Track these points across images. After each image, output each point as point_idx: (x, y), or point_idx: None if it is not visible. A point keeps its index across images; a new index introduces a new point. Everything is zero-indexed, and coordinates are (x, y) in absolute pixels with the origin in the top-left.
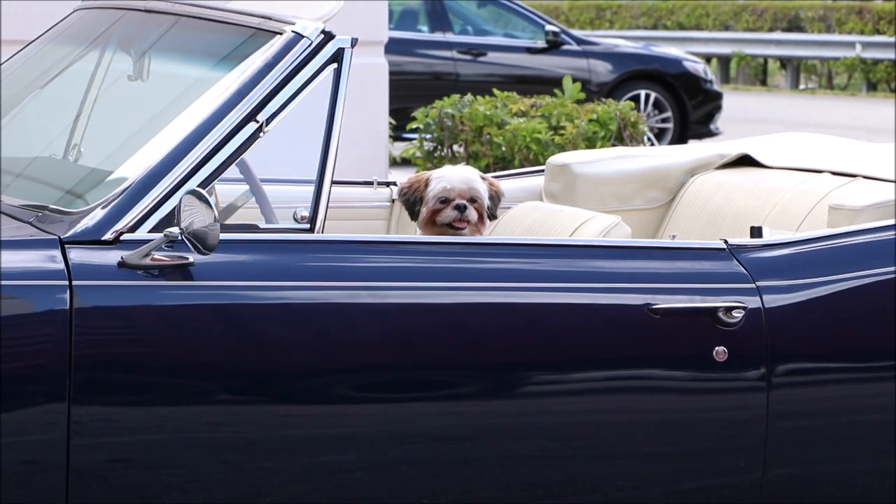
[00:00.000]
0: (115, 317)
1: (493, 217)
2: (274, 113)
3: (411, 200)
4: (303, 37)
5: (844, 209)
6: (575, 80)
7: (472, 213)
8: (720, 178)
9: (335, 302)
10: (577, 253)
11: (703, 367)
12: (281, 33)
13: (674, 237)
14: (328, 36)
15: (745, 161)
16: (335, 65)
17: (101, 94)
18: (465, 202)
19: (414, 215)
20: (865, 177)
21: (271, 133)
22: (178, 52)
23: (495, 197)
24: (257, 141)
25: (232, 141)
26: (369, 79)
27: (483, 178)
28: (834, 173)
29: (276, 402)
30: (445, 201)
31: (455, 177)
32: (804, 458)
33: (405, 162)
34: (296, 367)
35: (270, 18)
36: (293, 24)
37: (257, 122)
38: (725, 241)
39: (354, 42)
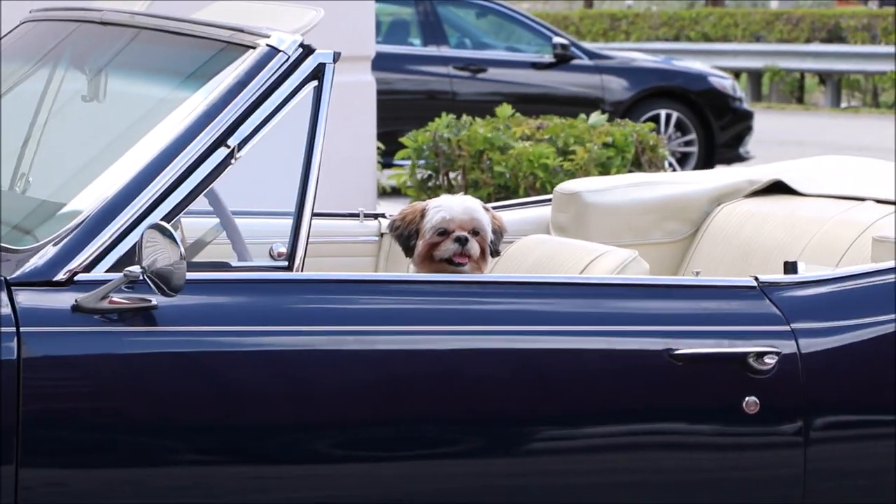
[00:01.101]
0: (68, 367)
1: (496, 253)
2: (247, 137)
3: (405, 234)
4: (279, 51)
5: (890, 241)
6: (587, 98)
7: (474, 247)
8: (750, 208)
9: (317, 349)
10: (589, 292)
11: (732, 420)
12: (254, 47)
13: (697, 274)
14: (307, 50)
15: (779, 188)
16: (315, 82)
17: (52, 117)
18: (466, 234)
19: (408, 251)
20: None
21: (244, 160)
22: (139, 70)
23: (498, 231)
24: (228, 168)
25: (200, 168)
26: (354, 98)
27: (486, 209)
28: (878, 201)
29: (248, 462)
30: (444, 233)
31: (455, 206)
32: None
33: (395, 192)
34: (271, 422)
35: (242, 31)
36: (268, 36)
37: (228, 147)
38: (756, 279)
39: (337, 57)
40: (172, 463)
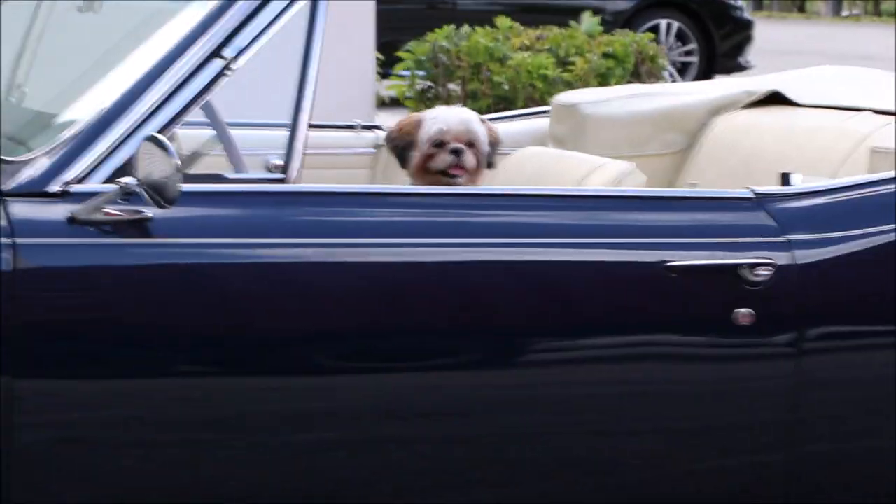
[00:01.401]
0: (63, 278)
1: (491, 165)
2: (243, 48)
3: (401, 145)
4: None
5: (888, 152)
6: (587, 8)
7: (469, 159)
8: (747, 119)
9: (313, 261)
10: (586, 204)
11: (726, 332)
12: None
13: (694, 185)
14: None
15: (776, 99)
16: None
17: (47, 28)
18: (462, 146)
19: (404, 162)
20: None
21: (240, 71)
22: None
23: (494, 143)
24: (224, 80)
25: (195, 80)
26: (353, 8)
27: (483, 121)
28: (876, 111)
29: (246, 374)
30: (440, 145)
31: (451, 118)
32: (838, 432)
33: (394, 103)
34: (268, 334)
35: None
36: None
37: (224, 58)
38: (752, 190)
39: None
40: (168, 374)
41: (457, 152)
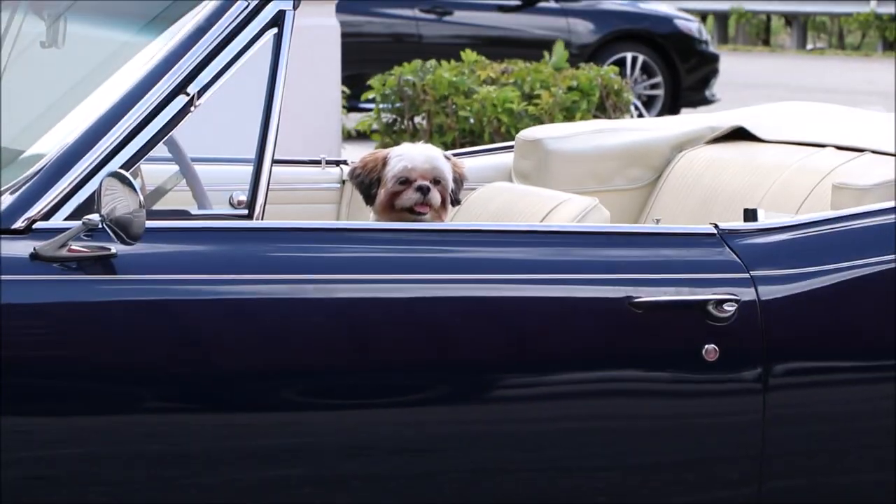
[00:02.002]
0: (28, 315)
1: (456, 202)
2: (207, 84)
3: (366, 182)
4: None
5: (850, 188)
6: (553, 41)
7: (435, 196)
8: (711, 154)
9: (278, 297)
10: (550, 240)
11: (692, 367)
12: None
13: (657, 221)
14: None
15: (740, 134)
16: (275, 30)
17: (10, 64)
18: (428, 183)
19: (369, 199)
20: (874, 151)
21: (204, 106)
22: (98, 15)
23: (459, 180)
24: (188, 115)
25: (160, 115)
26: (318, 42)
27: (448, 158)
28: (839, 147)
29: (213, 410)
30: (406, 182)
31: (417, 155)
32: (805, 468)
33: (361, 136)
34: (234, 371)
35: None
36: None
37: (188, 94)
38: (716, 226)
39: (297, 3)
40: (135, 411)
41: (423, 190)
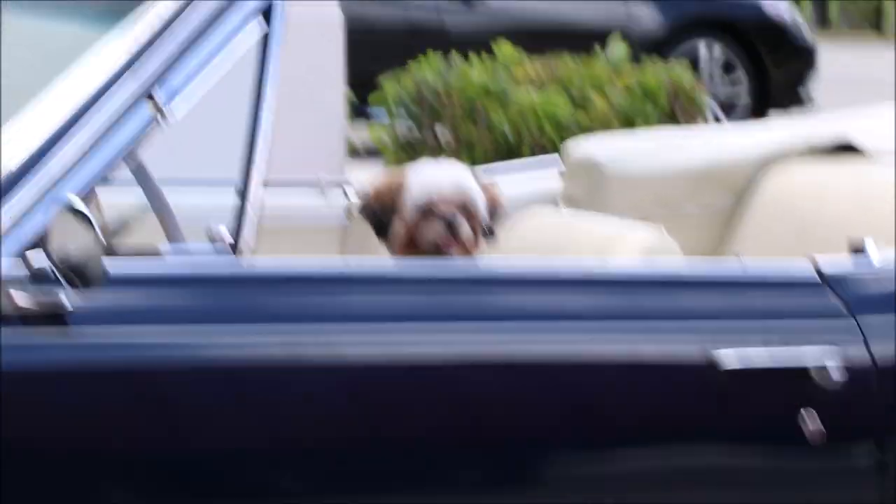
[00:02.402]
0: None
1: (490, 235)
2: (177, 87)
3: (379, 214)
4: None
5: None
6: (608, 32)
7: (465, 229)
8: (807, 173)
9: (270, 357)
10: (608, 282)
11: (788, 444)
12: None
13: (738, 256)
14: None
15: (845, 146)
16: (262, 20)
17: None
18: (455, 213)
19: (383, 233)
20: None
21: (174, 116)
22: (40, 3)
23: (493, 207)
24: (156, 128)
25: (120, 129)
26: (317, 36)
27: (479, 180)
28: None
29: (191, 499)
30: (429, 213)
31: (442, 179)
32: None
33: (370, 152)
34: (216, 449)
35: None
36: None
37: (155, 100)
38: (814, 262)
39: None
40: (90, 500)
41: (450, 222)
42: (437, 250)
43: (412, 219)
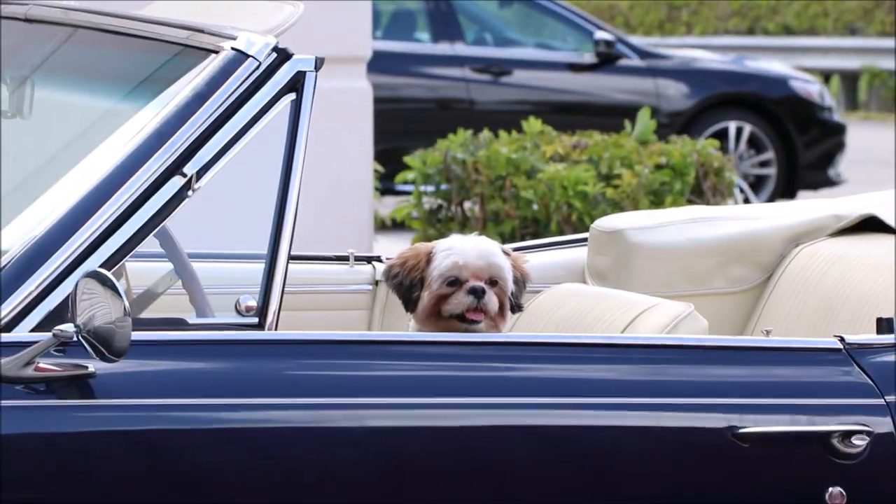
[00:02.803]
0: None
1: (517, 308)
2: (208, 163)
3: (406, 284)
4: (248, 56)
5: None
6: (637, 108)
7: (492, 300)
8: (836, 249)
9: (296, 426)
10: (634, 356)
11: None
12: (217, 51)
13: (768, 333)
14: (283, 55)
15: (872, 225)
16: (293, 95)
17: None
18: (482, 285)
19: (410, 304)
20: None
21: (204, 191)
22: (73, 79)
23: (521, 280)
24: (185, 202)
25: (149, 202)
26: (346, 109)
27: (507, 254)
28: None
29: None
30: (455, 283)
31: (469, 250)
32: None
33: (397, 226)
34: None
35: (203, 31)
36: (234, 38)
37: (184, 175)
38: (842, 339)
39: (320, 63)
40: None
41: (476, 292)
42: (463, 321)
43: (438, 289)
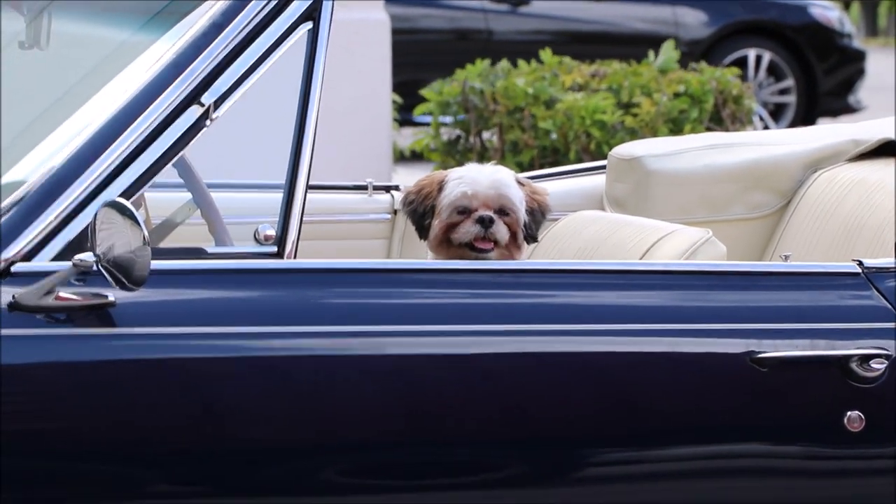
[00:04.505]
0: (7, 379)
1: (532, 239)
2: (225, 92)
3: (419, 211)
4: None
5: None
6: (657, 37)
7: (500, 230)
8: (855, 174)
9: (316, 355)
10: (652, 282)
11: (831, 440)
12: None
13: (787, 258)
14: None
15: (891, 149)
16: (310, 24)
17: None
18: (491, 214)
19: (423, 231)
20: None
21: (222, 120)
22: (90, 9)
23: (537, 211)
24: (203, 131)
25: (167, 132)
26: (364, 41)
27: (521, 184)
28: None
29: (236, 494)
30: (464, 212)
31: (480, 178)
32: None
33: (416, 157)
34: (261, 445)
35: None
36: None
37: (202, 105)
38: (860, 263)
39: None
40: (141, 496)
41: (484, 222)
42: (473, 250)
43: (448, 217)
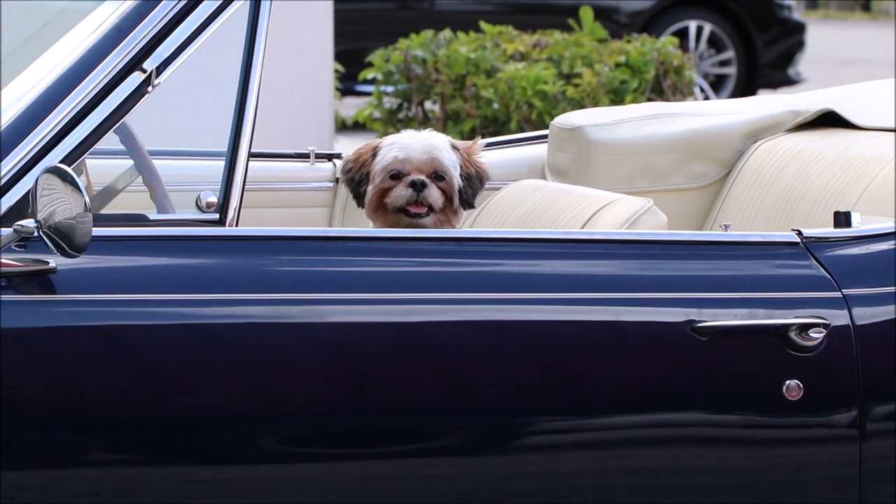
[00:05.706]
0: None
1: (469, 205)
2: (168, 58)
3: (356, 179)
4: None
5: None
6: (598, 8)
7: (433, 194)
8: (794, 145)
9: (256, 322)
10: (593, 250)
11: (770, 408)
12: None
13: (726, 227)
14: None
15: (830, 120)
16: None
17: None
18: (423, 178)
19: (360, 199)
20: None
21: (164, 87)
22: None
23: (474, 177)
24: (145, 98)
25: (109, 97)
26: (306, 9)
27: (456, 148)
28: None
29: (176, 462)
30: (397, 176)
31: (412, 143)
32: None
33: (358, 126)
34: (202, 413)
35: None
36: None
37: (144, 71)
38: (799, 233)
39: None
40: (78, 464)
41: (416, 185)
42: (407, 214)
43: (381, 182)
